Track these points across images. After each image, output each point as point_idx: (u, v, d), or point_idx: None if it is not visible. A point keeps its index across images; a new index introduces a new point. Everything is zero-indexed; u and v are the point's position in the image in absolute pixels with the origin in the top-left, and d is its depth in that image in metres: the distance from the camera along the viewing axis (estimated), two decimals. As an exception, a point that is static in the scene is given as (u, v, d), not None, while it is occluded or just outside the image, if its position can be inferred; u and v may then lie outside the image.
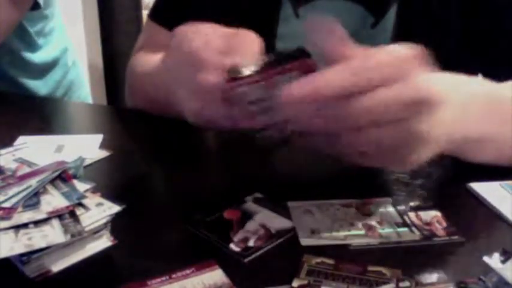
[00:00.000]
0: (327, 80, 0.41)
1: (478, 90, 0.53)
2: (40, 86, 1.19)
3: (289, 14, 0.71)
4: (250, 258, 0.46)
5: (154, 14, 0.83)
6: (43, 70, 1.19)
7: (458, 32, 0.67)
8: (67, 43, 1.27)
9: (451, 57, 0.69)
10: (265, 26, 0.72)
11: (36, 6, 1.08)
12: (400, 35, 0.67)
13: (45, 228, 0.44)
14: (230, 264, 0.44)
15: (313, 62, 0.44)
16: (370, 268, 0.44)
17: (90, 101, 1.39)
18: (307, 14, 0.71)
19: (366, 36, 0.69)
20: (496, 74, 0.63)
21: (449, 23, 0.67)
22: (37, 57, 1.17)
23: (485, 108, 0.53)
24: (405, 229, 0.50)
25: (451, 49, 0.68)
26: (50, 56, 1.20)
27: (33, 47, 1.16)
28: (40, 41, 1.17)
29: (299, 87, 0.42)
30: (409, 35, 0.69)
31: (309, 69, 0.44)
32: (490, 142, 0.54)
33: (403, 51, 0.44)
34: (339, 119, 0.42)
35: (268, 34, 0.71)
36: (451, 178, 0.60)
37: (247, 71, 0.46)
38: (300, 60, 0.45)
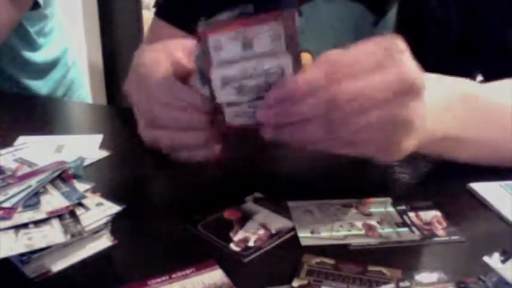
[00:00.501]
0: (305, 81, 0.43)
1: (460, 91, 0.54)
2: (40, 86, 1.19)
3: None
4: (250, 258, 0.46)
5: (158, 11, 0.83)
6: (43, 70, 1.19)
7: (458, 32, 0.67)
8: (67, 43, 1.27)
9: (451, 57, 0.69)
10: None
11: (35, 5, 1.08)
12: (401, 34, 0.67)
13: (45, 228, 0.44)
14: (230, 264, 0.44)
15: (292, 13, 0.42)
16: (370, 268, 0.44)
17: (90, 101, 1.39)
18: (309, 13, 0.71)
19: (366, 35, 0.69)
20: (496, 73, 0.63)
21: (449, 22, 0.67)
22: (37, 56, 1.17)
23: (466, 109, 0.53)
24: (405, 229, 0.50)
25: (451, 49, 0.68)
26: (50, 56, 1.20)
27: (33, 46, 1.16)
28: (40, 40, 1.17)
29: (277, 93, 0.43)
30: (410, 35, 0.69)
31: (288, 21, 0.42)
32: (468, 142, 0.55)
33: (384, 40, 0.45)
34: (325, 108, 0.43)
35: None
36: (451, 178, 0.60)
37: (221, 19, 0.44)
38: (278, 10, 0.42)
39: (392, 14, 0.67)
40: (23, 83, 1.16)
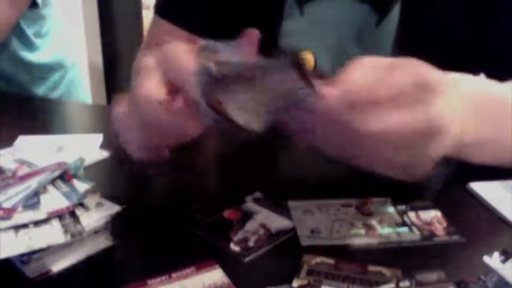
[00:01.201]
0: (326, 109, 0.41)
1: (474, 90, 0.53)
2: (39, 87, 1.19)
3: (294, 12, 0.71)
4: (250, 258, 0.46)
5: (157, 9, 0.83)
6: (41, 71, 1.19)
7: (460, 31, 0.67)
8: (66, 44, 1.27)
9: (453, 56, 0.69)
10: (270, 23, 0.72)
11: (33, 5, 1.08)
12: (403, 34, 0.67)
13: (45, 228, 0.44)
14: (230, 264, 0.44)
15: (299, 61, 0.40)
16: (370, 268, 0.44)
17: (89, 101, 1.39)
18: (312, 12, 0.71)
19: (370, 34, 0.69)
20: (498, 74, 0.63)
21: (452, 20, 0.66)
22: (35, 57, 1.17)
23: (483, 109, 0.52)
24: (405, 229, 0.50)
25: (454, 48, 0.68)
26: (48, 57, 1.20)
27: (30, 47, 1.16)
28: (38, 41, 1.17)
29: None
30: (413, 34, 0.69)
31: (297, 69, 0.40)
32: (486, 144, 0.54)
33: (418, 73, 0.43)
34: (342, 133, 0.42)
35: (272, 31, 0.72)
36: (451, 178, 0.60)
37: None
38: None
39: (395, 13, 0.67)
40: (21, 84, 1.16)
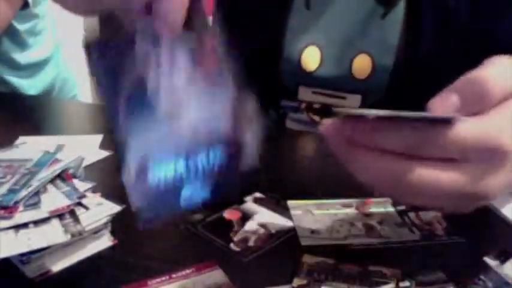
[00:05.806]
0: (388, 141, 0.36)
1: None
2: (31, 85, 1.19)
3: (301, 6, 0.72)
4: (250, 258, 0.46)
5: None
6: (34, 69, 1.19)
7: (467, 24, 0.67)
8: (58, 41, 1.26)
9: (460, 49, 0.69)
10: (277, 17, 0.73)
11: (25, 5, 1.08)
12: (410, 26, 0.68)
13: (46, 228, 0.44)
14: (230, 264, 0.44)
15: None
16: (370, 268, 0.44)
17: (82, 99, 1.39)
18: (318, 6, 0.72)
19: (376, 27, 0.69)
20: None
21: (459, 13, 0.66)
22: (27, 56, 1.17)
23: None
24: (405, 229, 0.50)
25: (461, 39, 0.68)
26: (40, 55, 1.20)
27: (22, 46, 1.16)
28: (30, 40, 1.17)
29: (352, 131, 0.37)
30: (419, 26, 0.69)
31: None
32: None
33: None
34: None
35: (279, 25, 0.72)
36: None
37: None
38: None
39: (401, 5, 0.68)
40: (13, 82, 1.16)
